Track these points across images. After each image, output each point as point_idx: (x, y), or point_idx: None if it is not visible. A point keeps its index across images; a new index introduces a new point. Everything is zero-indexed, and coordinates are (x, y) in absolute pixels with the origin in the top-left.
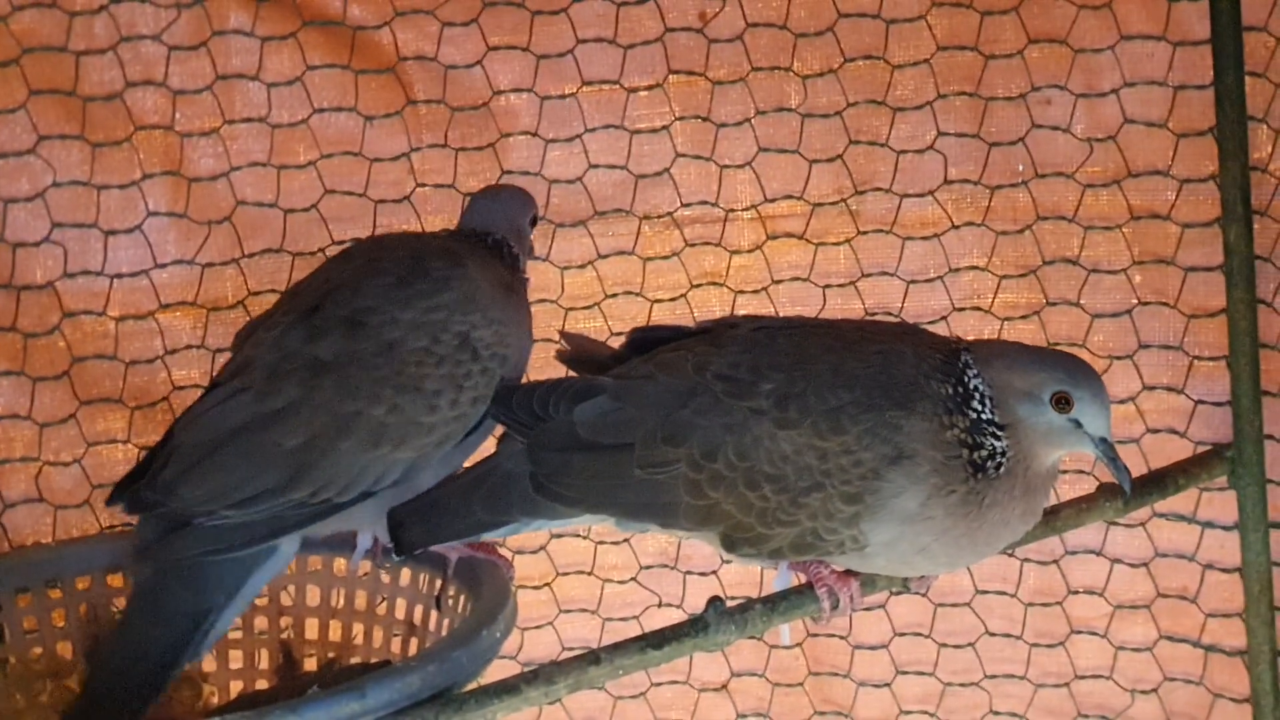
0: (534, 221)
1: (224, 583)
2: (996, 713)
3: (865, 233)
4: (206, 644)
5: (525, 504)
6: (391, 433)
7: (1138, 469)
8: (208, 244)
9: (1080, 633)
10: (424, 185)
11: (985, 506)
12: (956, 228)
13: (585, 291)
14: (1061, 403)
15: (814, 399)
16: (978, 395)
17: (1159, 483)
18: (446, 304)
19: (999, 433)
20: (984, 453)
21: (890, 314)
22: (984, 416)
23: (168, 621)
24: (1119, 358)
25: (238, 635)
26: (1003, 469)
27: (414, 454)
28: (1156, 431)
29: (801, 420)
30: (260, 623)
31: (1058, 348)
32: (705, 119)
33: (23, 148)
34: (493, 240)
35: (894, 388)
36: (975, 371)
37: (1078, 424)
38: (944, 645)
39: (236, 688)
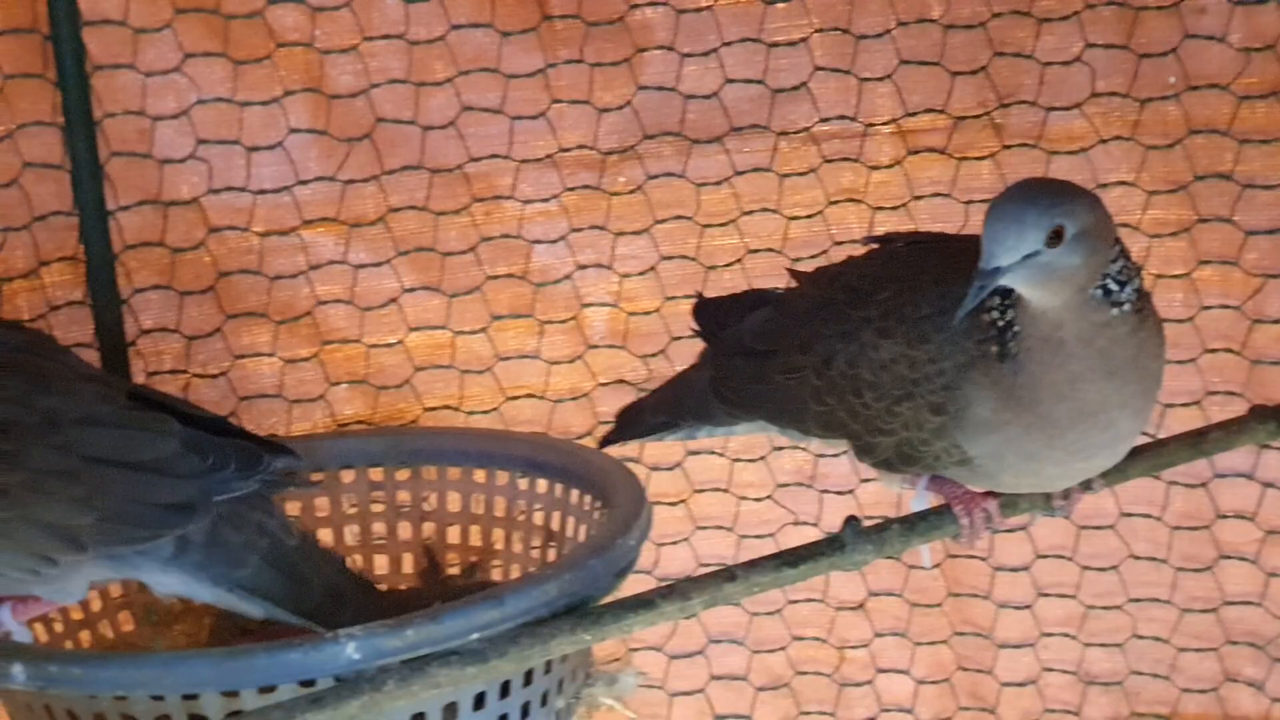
0: None
1: None
2: (1140, 637)
3: (1009, 147)
4: None
5: (700, 408)
6: None
7: None
8: (348, 161)
9: (1229, 558)
10: (560, 101)
11: (1031, 388)
12: (1104, 142)
13: (721, 209)
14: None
15: (909, 309)
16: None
17: None
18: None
19: (1006, 305)
20: (994, 332)
21: None
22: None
23: None
24: (1273, 276)
25: (382, 541)
26: (1015, 342)
27: None
28: None
29: (897, 329)
30: (404, 530)
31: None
32: (845, 31)
33: (168, 66)
34: None
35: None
36: None
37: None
38: (1087, 568)
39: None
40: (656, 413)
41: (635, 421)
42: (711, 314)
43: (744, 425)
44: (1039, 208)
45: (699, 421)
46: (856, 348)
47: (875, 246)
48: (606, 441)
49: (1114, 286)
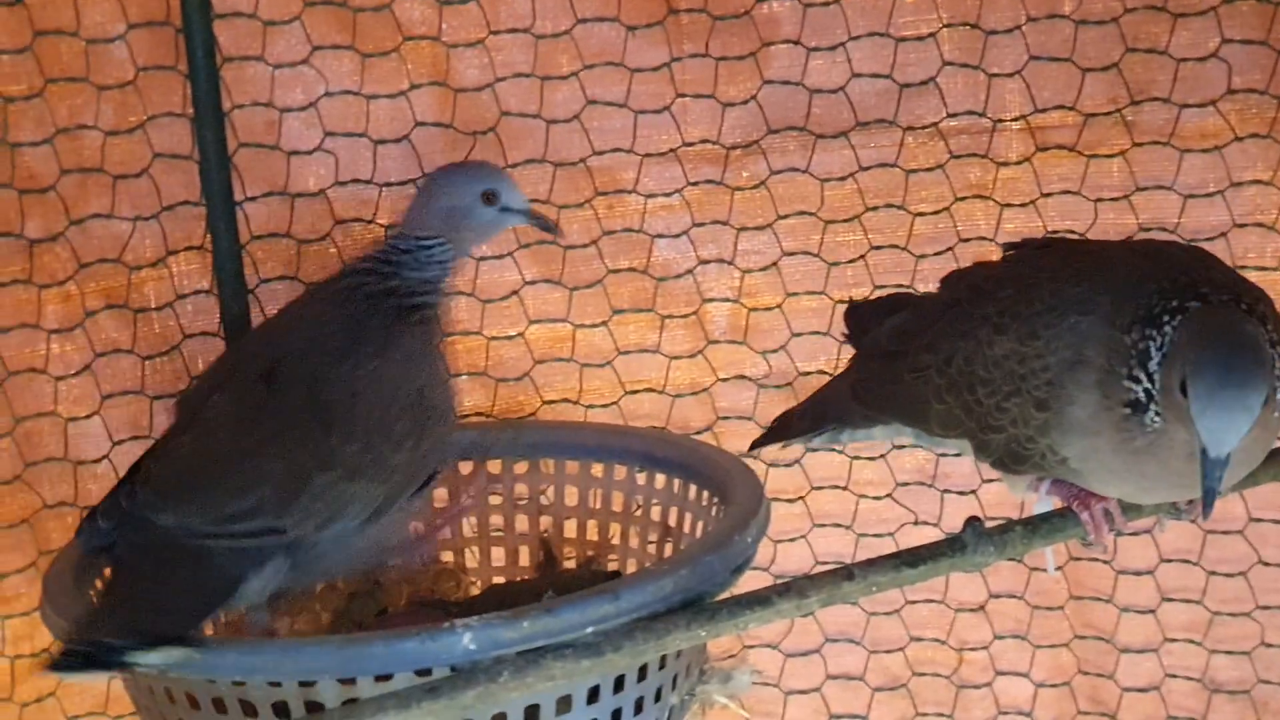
0: (490, 197)
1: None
2: (1269, 644)
3: (1141, 145)
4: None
5: (841, 411)
6: (367, 471)
7: None
8: (473, 154)
9: None
10: (684, 95)
11: (1145, 444)
12: (1240, 139)
13: (845, 204)
14: (1183, 388)
15: (1024, 306)
16: (1157, 342)
17: None
18: (408, 357)
19: (1152, 390)
20: (1137, 395)
21: (1165, 230)
22: (1150, 365)
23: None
24: None
25: (500, 534)
26: (1152, 424)
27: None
28: None
29: (1010, 326)
30: (521, 522)
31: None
32: (974, 26)
33: (297, 58)
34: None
35: (1090, 299)
36: (1172, 322)
37: (1194, 418)
38: (1213, 573)
39: (499, 581)
40: (804, 418)
41: (785, 426)
42: (860, 318)
43: (880, 428)
44: (1258, 386)
45: (841, 424)
46: (974, 344)
47: (1011, 252)
48: (756, 445)
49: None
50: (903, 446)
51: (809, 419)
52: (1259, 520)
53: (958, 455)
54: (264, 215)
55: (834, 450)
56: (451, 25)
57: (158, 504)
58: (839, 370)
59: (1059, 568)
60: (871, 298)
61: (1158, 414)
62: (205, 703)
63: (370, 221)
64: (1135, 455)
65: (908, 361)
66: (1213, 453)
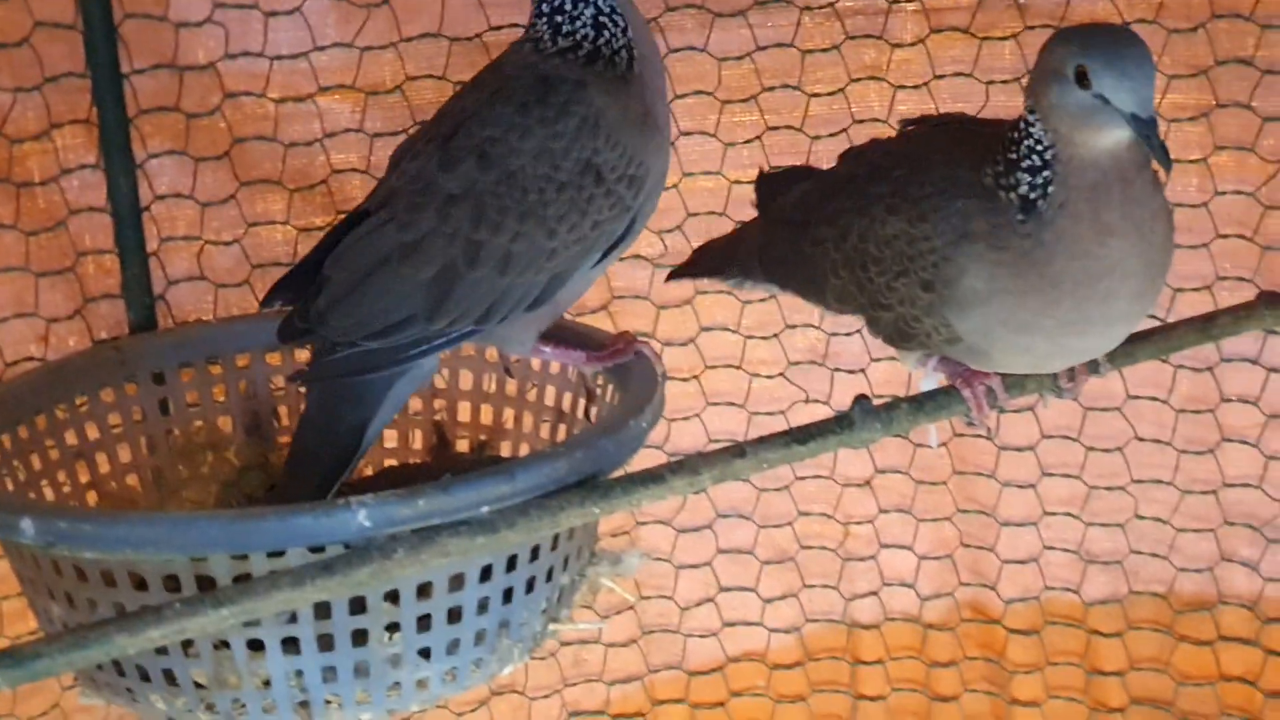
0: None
1: (374, 397)
2: (1141, 517)
3: (1032, 28)
4: (363, 449)
5: (746, 267)
6: (517, 260)
7: None
8: (366, 27)
9: (1231, 441)
10: None
11: (1049, 244)
12: (1127, 24)
13: (742, 84)
14: (1082, 77)
15: (914, 188)
16: (1020, 127)
17: None
18: (568, 131)
19: (1044, 155)
20: (1022, 188)
21: None
22: (1024, 147)
23: (330, 431)
24: None
25: (395, 414)
26: (1050, 189)
27: (544, 277)
28: None
29: (901, 206)
30: (415, 404)
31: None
32: None
33: None
34: (591, 44)
35: (971, 170)
36: (1026, 111)
37: (1104, 100)
38: (1091, 449)
39: (391, 464)
40: (714, 257)
41: (698, 262)
42: (768, 187)
43: (779, 291)
44: (1148, 48)
45: (744, 277)
46: (868, 222)
47: (910, 128)
48: (673, 276)
49: None
50: (795, 326)
51: (719, 261)
52: (1136, 397)
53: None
54: (151, 88)
55: (728, 330)
56: None
57: (326, 314)
58: None
59: (943, 444)
60: (778, 167)
61: (1043, 175)
62: (94, 575)
63: (261, 96)
64: (1051, 267)
65: (808, 234)
66: (1144, 112)
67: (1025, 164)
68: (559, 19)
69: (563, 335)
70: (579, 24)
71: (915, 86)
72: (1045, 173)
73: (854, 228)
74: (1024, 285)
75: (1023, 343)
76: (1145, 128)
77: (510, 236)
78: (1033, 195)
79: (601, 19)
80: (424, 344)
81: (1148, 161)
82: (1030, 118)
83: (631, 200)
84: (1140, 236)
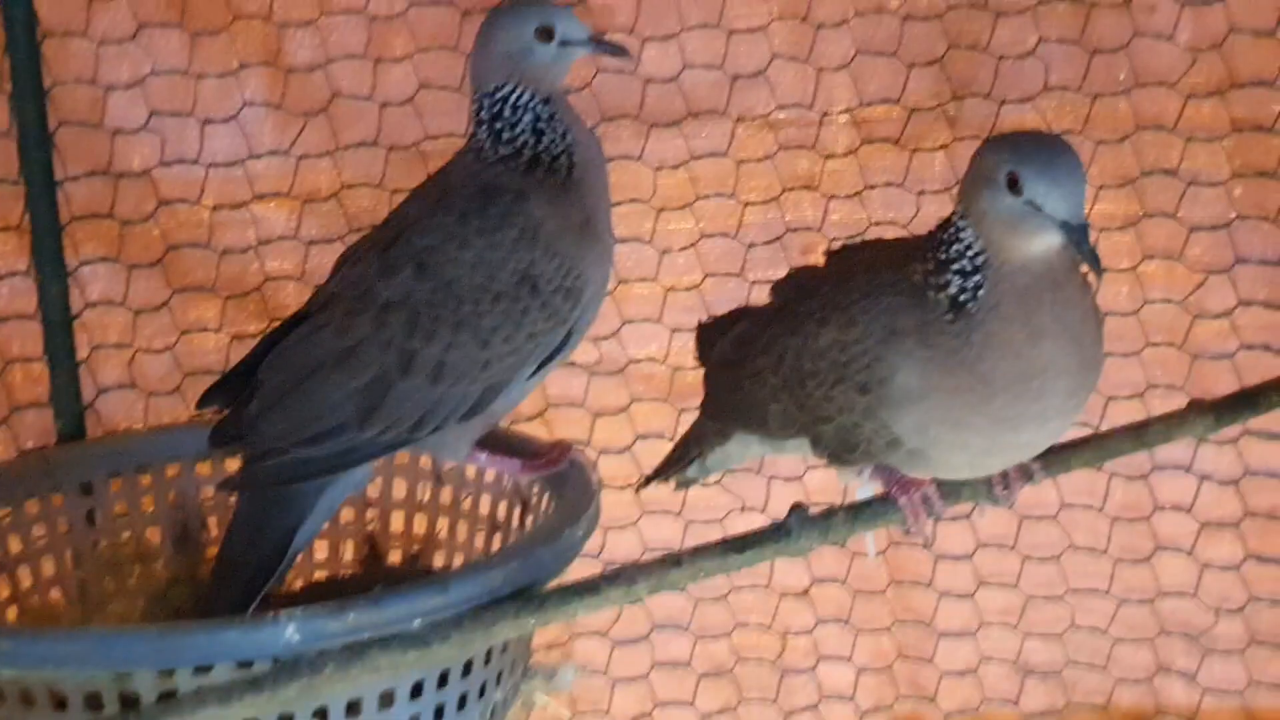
0: (546, 34)
1: (305, 505)
2: (1078, 627)
3: (962, 139)
4: (291, 558)
5: (698, 432)
6: (451, 370)
7: (1231, 385)
8: (304, 135)
9: (1166, 550)
10: None
11: (979, 345)
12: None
13: (678, 193)
14: (1013, 183)
15: (841, 296)
16: (951, 230)
17: (1252, 400)
18: (506, 241)
19: (975, 260)
20: (952, 289)
21: None
22: (954, 249)
23: (258, 540)
24: (1216, 272)
25: (325, 522)
26: (981, 292)
27: (478, 388)
28: (1251, 348)
29: (831, 317)
30: (346, 515)
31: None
32: (803, 19)
33: (123, 35)
34: (532, 150)
35: (898, 272)
36: (957, 215)
37: (1035, 206)
38: (1028, 558)
39: (321, 577)
40: (673, 451)
41: (661, 465)
42: (708, 335)
43: (733, 443)
44: (1078, 158)
45: (700, 448)
46: (801, 340)
47: (834, 252)
48: (641, 485)
49: None
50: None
51: (677, 451)
52: (1071, 506)
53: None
54: (86, 195)
55: (664, 438)
56: (283, 4)
57: (258, 420)
58: (668, 358)
59: (880, 553)
60: (716, 315)
61: (973, 277)
62: (11, 695)
63: (195, 203)
64: (981, 365)
65: (746, 368)
66: (1075, 219)
67: (955, 266)
68: (498, 125)
69: (498, 443)
70: (518, 130)
71: (848, 196)
72: (976, 276)
73: (789, 349)
74: (955, 383)
75: (959, 440)
76: (1076, 234)
77: (444, 346)
78: (962, 297)
79: (540, 125)
80: (355, 452)
81: (1078, 265)
82: (961, 222)
83: (568, 312)
84: (1071, 338)
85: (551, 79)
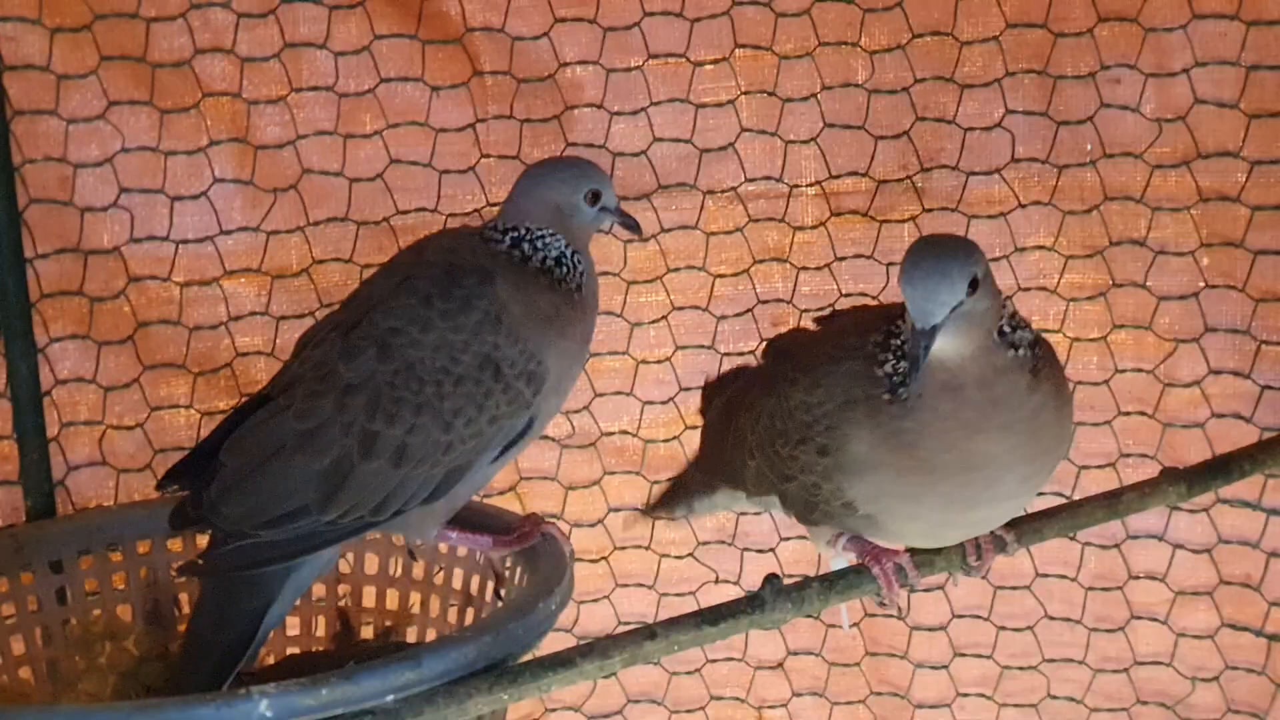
0: (594, 198)
1: (274, 585)
2: (1054, 696)
3: (930, 210)
4: (262, 637)
5: (689, 480)
6: (413, 453)
7: (1202, 454)
8: (273, 211)
9: (1141, 618)
10: (489, 156)
11: (914, 431)
12: (1023, 206)
13: (648, 265)
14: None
15: (810, 359)
16: (897, 331)
17: (1224, 468)
18: (469, 325)
19: (901, 354)
20: (888, 367)
21: None
22: (902, 330)
23: (227, 620)
24: (1185, 340)
25: (295, 601)
26: (911, 378)
27: (440, 471)
28: (1222, 416)
29: (801, 379)
30: (318, 590)
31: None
32: (771, 94)
33: (93, 113)
34: (519, 240)
35: (861, 340)
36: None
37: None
38: (1003, 628)
39: (294, 652)
40: (666, 492)
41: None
42: (710, 394)
43: (720, 494)
44: (958, 260)
45: (690, 495)
46: (775, 401)
47: (825, 316)
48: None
49: (1008, 329)
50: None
51: (669, 493)
52: (1045, 575)
53: (759, 514)
54: (55, 273)
55: (636, 510)
56: (252, 82)
57: (218, 502)
58: (640, 431)
59: (855, 624)
60: (719, 373)
61: (910, 372)
62: None
63: (165, 280)
64: (912, 451)
65: (731, 426)
66: (919, 324)
67: (893, 344)
68: (525, 248)
69: (469, 518)
70: (540, 250)
71: (818, 268)
72: (900, 361)
73: (765, 409)
74: (900, 461)
75: (910, 511)
76: (916, 337)
77: (406, 429)
78: (896, 378)
79: (564, 261)
80: (318, 536)
81: (1022, 364)
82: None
83: (530, 397)
84: (1012, 433)
85: (586, 237)
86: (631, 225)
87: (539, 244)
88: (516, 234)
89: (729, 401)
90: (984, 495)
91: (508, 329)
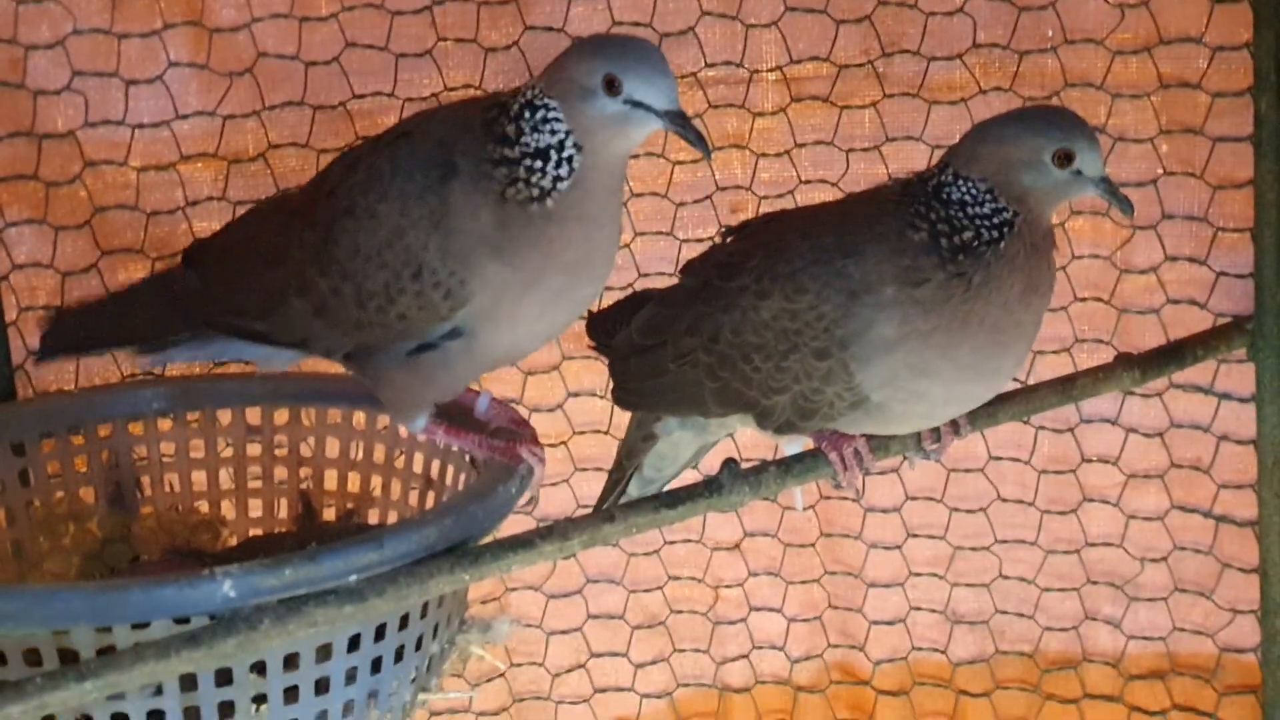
0: (611, 86)
1: None
2: (1006, 577)
3: (891, 96)
4: None
5: (629, 448)
6: (330, 312)
7: (1157, 339)
8: (229, 96)
9: (1092, 500)
10: (445, 39)
11: (978, 287)
12: (984, 92)
13: None
14: (1064, 159)
15: (782, 266)
16: (963, 185)
17: (1177, 353)
18: (411, 218)
19: (999, 212)
20: (969, 233)
21: None
22: (969, 211)
23: None
24: (1142, 227)
25: (258, 484)
26: (1004, 241)
27: (349, 341)
28: (1177, 302)
29: (773, 288)
30: (280, 472)
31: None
32: None
33: None
34: (518, 117)
35: (846, 235)
36: (956, 174)
37: (1079, 173)
38: (955, 510)
39: (257, 534)
40: (611, 474)
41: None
42: (602, 326)
43: (661, 442)
44: None
45: (630, 459)
46: (739, 315)
47: (740, 230)
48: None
49: None
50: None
51: (613, 475)
52: (998, 459)
53: (727, 436)
54: (9, 157)
55: (596, 395)
56: None
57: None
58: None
59: (809, 507)
60: (605, 305)
61: (1002, 226)
62: None
63: (122, 164)
64: (965, 305)
65: (668, 350)
66: (1100, 174)
67: (979, 214)
68: (519, 123)
69: (455, 416)
70: (526, 141)
71: (777, 155)
72: (1001, 229)
73: (723, 326)
74: (933, 323)
75: (922, 388)
76: (1110, 186)
77: (331, 288)
78: (982, 242)
79: (551, 152)
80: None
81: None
82: (980, 183)
83: (446, 311)
84: (1042, 300)
85: (604, 137)
86: (695, 138)
87: (532, 128)
88: (523, 117)
89: (652, 326)
90: (993, 364)
91: (441, 237)
